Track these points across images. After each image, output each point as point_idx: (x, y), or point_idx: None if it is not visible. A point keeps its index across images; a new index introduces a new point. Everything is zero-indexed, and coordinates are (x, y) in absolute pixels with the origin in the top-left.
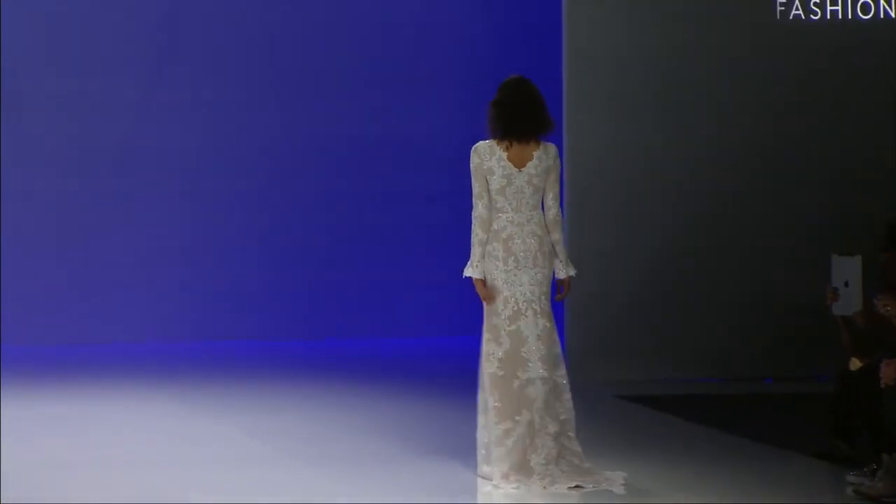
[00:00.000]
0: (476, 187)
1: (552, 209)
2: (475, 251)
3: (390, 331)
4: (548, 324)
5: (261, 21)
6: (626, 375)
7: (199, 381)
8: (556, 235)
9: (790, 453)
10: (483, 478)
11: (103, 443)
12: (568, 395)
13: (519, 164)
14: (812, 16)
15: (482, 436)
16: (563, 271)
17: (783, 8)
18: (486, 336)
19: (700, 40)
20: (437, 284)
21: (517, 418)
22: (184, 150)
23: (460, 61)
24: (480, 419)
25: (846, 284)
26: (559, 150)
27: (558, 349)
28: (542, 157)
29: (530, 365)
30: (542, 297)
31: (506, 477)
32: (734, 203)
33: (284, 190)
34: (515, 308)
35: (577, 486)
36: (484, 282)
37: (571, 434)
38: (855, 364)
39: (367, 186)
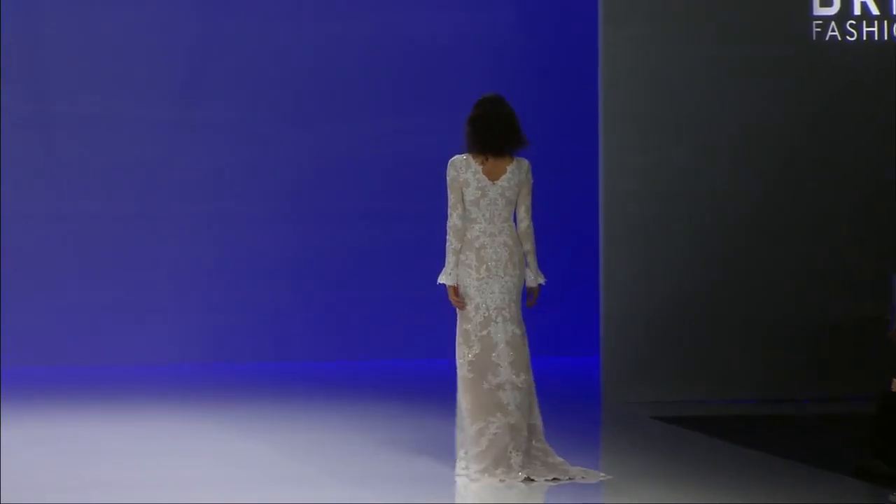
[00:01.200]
0: (451, 198)
1: (524, 221)
2: (449, 259)
3: (419, 351)
4: (517, 330)
5: (288, 42)
6: (660, 396)
7: (225, 402)
8: (528, 246)
9: (830, 473)
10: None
11: (146, 464)
12: (536, 401)
13: (493, 177)
14: (848, 37)
15: (459, 438)
16: (534, 279)
17: (819, 29)
18: (458, 340)
19: (736, 61)
20: None
21: (491, 419)
22: (209, 171)
23: (493, 83)
24: (458, 422)
25: None
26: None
27: (527, 355)
28: (515, 171)
29: (500, 369)
30: (512, 304)
31: (484, 472)
32: (768, 223)
33: (311, 210)
34: (486, 314)
35: (554, 479)
36: (456, 289)
37: (541, 439)
38: None
39: (395, 206)
